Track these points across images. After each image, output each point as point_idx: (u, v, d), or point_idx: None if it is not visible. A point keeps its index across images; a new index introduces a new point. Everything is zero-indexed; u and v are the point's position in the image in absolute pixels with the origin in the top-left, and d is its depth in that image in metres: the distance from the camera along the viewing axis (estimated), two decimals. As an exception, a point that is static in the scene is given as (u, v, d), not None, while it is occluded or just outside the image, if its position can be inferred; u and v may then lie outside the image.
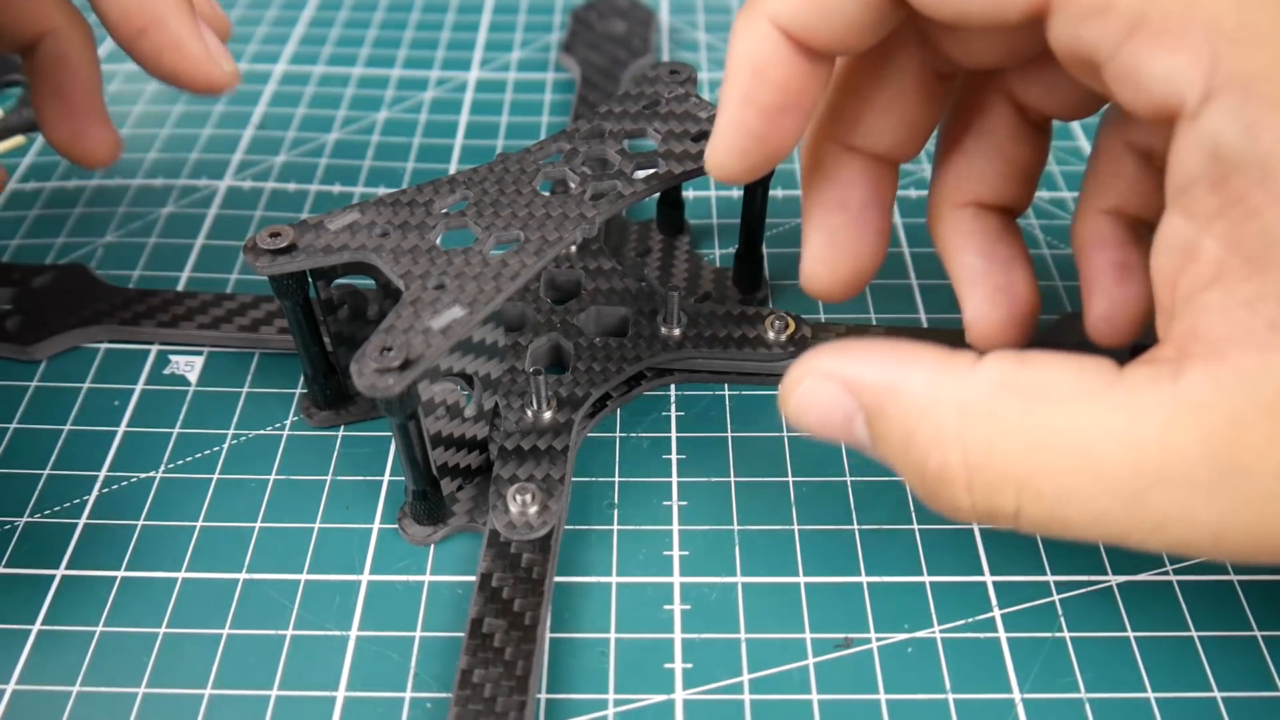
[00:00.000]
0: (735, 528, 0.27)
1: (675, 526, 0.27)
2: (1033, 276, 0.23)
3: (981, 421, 0.18)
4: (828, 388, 0.20)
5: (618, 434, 0.29)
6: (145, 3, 0.27)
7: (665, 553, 0.26)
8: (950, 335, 0.31)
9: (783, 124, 0.21)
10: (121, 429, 0.29)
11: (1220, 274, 0.16)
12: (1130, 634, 0.25)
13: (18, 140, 0.40)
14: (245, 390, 0.31)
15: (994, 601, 0.25)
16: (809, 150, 0.24)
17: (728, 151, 0.22)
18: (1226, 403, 0.16)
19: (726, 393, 0.30)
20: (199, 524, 0.27)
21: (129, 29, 0.27)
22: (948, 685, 0.24)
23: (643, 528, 0.27)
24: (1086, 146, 0.39)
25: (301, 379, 0.31)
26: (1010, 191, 0.23)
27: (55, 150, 0.30)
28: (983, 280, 0.23)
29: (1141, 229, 0.23)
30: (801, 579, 0.26)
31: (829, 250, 0.24)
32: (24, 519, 0.27)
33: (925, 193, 0.27)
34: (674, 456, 0.29)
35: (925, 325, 0.32)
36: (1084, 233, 0.23)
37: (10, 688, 0.24)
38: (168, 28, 0.27)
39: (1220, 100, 0.15)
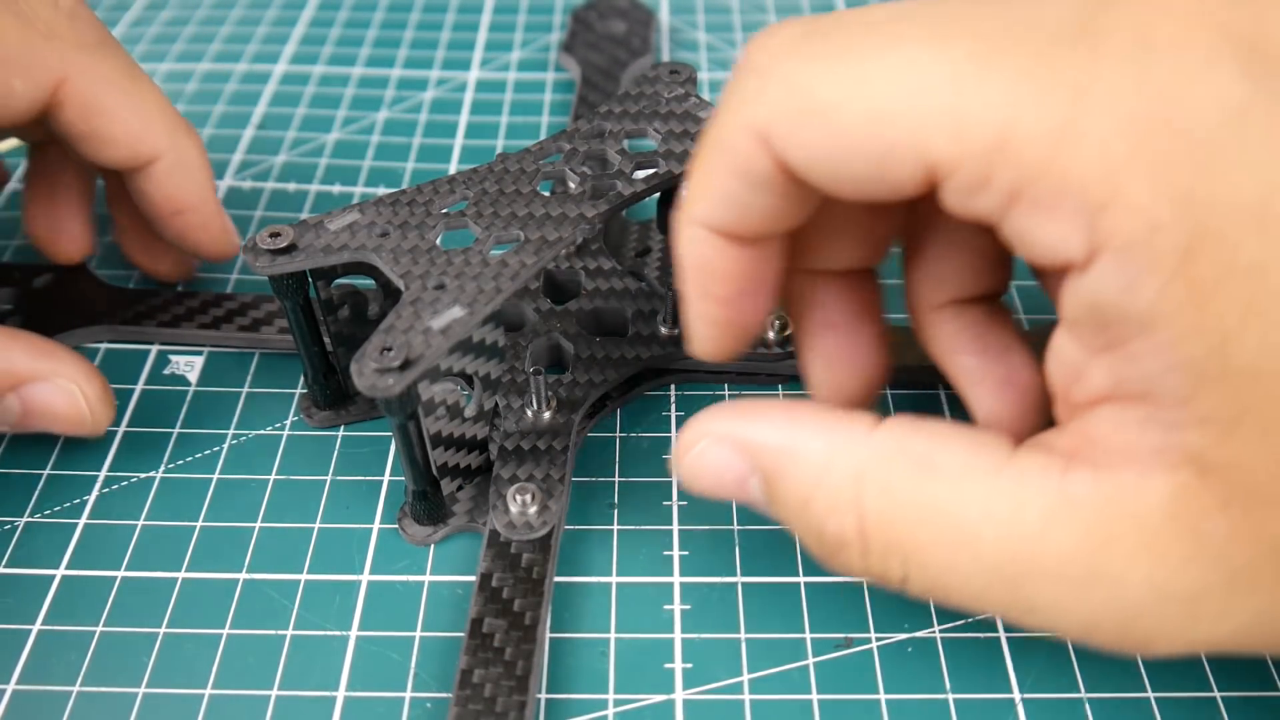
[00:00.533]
0: (735, 528, 0.27)
1: (675, 526, 0.27)
2: (1032, 358, 0.22)
3: (876, 490, 0.18)
4: (721, 451, 0.20)
5: (618, 434, 0.29)
6: (188, 189, 0.29)
7: (665, 553, 0.26)
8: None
9: (746, 306, 0.21)
10: (121, 429, 0.29)
11: (1110, 396, 0.17)
12: (1130, 634, 0.25)
13: (18, 140, 0.40)
14: (245, 390, 0.31)
15: (994, 601, 0.25)
16: (788, 283, 0.23)
17: (703, 341, 0.22)
18: (1105, 510, 0.17)
19: (726, 393, 0.30)
20: (199, 524, 0.27)
21: (168, 208, 0.30)
22: (948, 685, 0.24)
23: (643, 528, 0.27)
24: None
25: (301, 379, 0.31)
26: (984, 281, 0.22)
27: (29, 237, 0.33)
28: (983, 378, 0.22)
29: (986, 307, 0.22)
30: (801, 579, 0.26)
31: (830, 374, 0.23)
32: (24, 519, 0.27)
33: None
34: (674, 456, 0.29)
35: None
36: (940, 338, 0.22)
37: (10, 688, 0.24)
38: (202, 210, 0.30)
39: (1101, 261, 0.16)
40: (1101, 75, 0.15)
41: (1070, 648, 0.24)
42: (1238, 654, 0.18)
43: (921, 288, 0.22)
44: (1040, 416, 0.22)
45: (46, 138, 0.31)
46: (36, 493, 0.28)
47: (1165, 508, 0.16)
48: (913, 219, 0.22)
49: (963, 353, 0.22)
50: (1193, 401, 0.16)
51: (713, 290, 0.21)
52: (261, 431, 0.30)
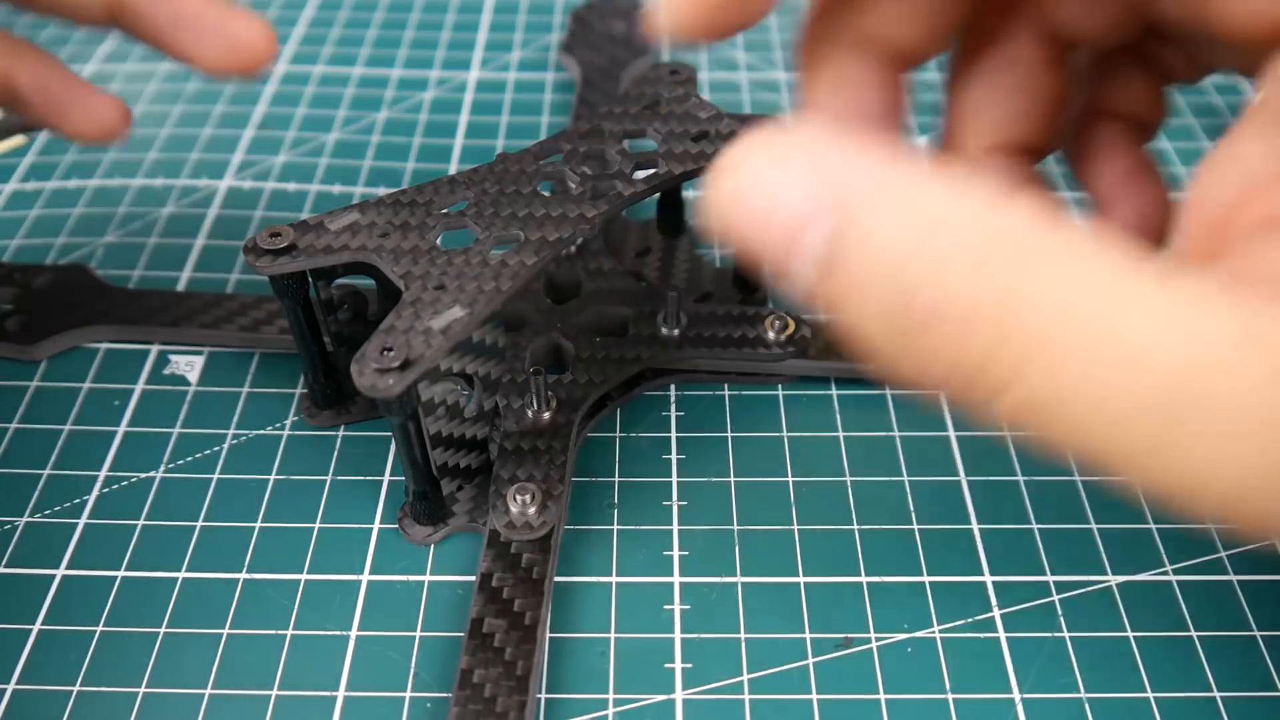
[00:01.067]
0: (735, 528, 0.27)
1: (675, 526, 0.27)
2: (1154, 183, 0.20)
3: (1008, 265, 0.14)
4: (796, 171, 0.14)
5: (618, 434, 0.29)
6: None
7: (665, 553, 0.26)
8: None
9: None
10: (121, 429, 0.29)
11: None
12: (1130, 634, 0.25)
13: (18, 140, 0.40)
14: (245, 390, 0.31)
15: (994, 601, 0.25)
16: (806, 49, 0.20)
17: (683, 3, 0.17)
18: None
19: (726, 393, 0.30)
20: (199, 524, 0.27)
21: (164, 11, 0.26)
22: (948, 685, 0.24)
23: (643, 528, 0.27)
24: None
25: (301, 379, 0.31)
26: (1040, 129, 0.19)
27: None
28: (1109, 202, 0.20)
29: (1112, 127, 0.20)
30: (801, 579, 0.26)
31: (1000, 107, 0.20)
32: (24, 519, 0.27)
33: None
34: (674, 456, 0.29)
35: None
36: (1081, 140, 0.20)
37: (10, 688, 0.24)
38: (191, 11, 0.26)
39: None
40: None
41: (1070, 648, 0.24)
42: None
43: (970, 122, 0.19)
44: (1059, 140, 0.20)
45: None
46: (36, 493, 0.28)
47: None
48: (980, 31, 0.19)
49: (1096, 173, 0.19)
50: None
51: None
52: (261, 431, 0.30)
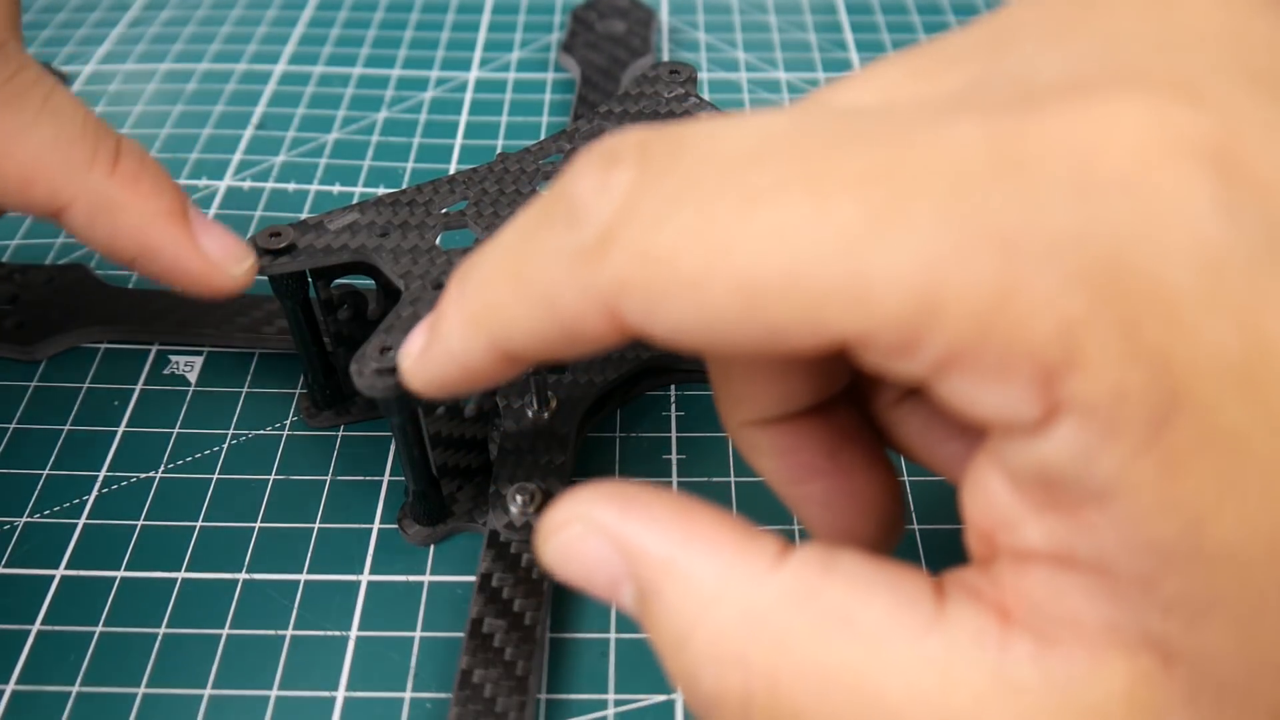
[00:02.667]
0: (735, 528, 0.27)
1: (675, 526, 0.27)
2: (884, 467, 0.19)
3: (772, 643, 0.15)
4: (597, 543, 0.16)
5: (618, 434, 0.29)
6: (130, 235, 0.24)
7: (665, 553, 0.26)
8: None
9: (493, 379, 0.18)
10: (121, 429, 0.29)
11: (1051, 559, 0.14)
12: (1130, 634, 0.25)
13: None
14: (245, 390, 0.31)
15: (994, 601, 0.25)
16: (737, 441, 0.20)
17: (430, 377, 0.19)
18: (1053, 699, 0.14)
19: (726, 393, 0.30)
20: (199, 524, 0.27)
21: (118, 259, 0.25)
22: (948, 685, 0.24)
23: (643, 528, 0.27)
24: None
25: (301, 379, 0.31)
26: (800, 397, 0.19)
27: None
28: (825, 503, 0.19)
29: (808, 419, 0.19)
30: (801, 579, 0.26)
31: (836, 522, 0.19)
32: (24, 519, 0.27)
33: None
34: (674, 456, 0.29)
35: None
36: (756, 458, 0.19)
37: (10, 688, 0.24)
38: (160, 255, 0.24)
39: (1057, 426, 0.13)
40: (1039, 219, 0.12)
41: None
42: None
43: (725, 404, 0.19)
44: (900, 529, 0.20)
45: None
46: (36, 493, 0.28)
47: (1124, 699, 0.13)
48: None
49: (797, 482, 0.19)
50: (1157, 585, 0.13)
51: (469, 383, 0.18)
52: (261, 431, 0.30)
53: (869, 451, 0.19)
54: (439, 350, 0.18)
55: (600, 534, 0.16)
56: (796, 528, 0.27)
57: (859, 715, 0.14)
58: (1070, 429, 0.13)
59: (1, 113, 0.23)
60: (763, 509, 0.27)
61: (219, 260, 0.25)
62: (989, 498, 0.14)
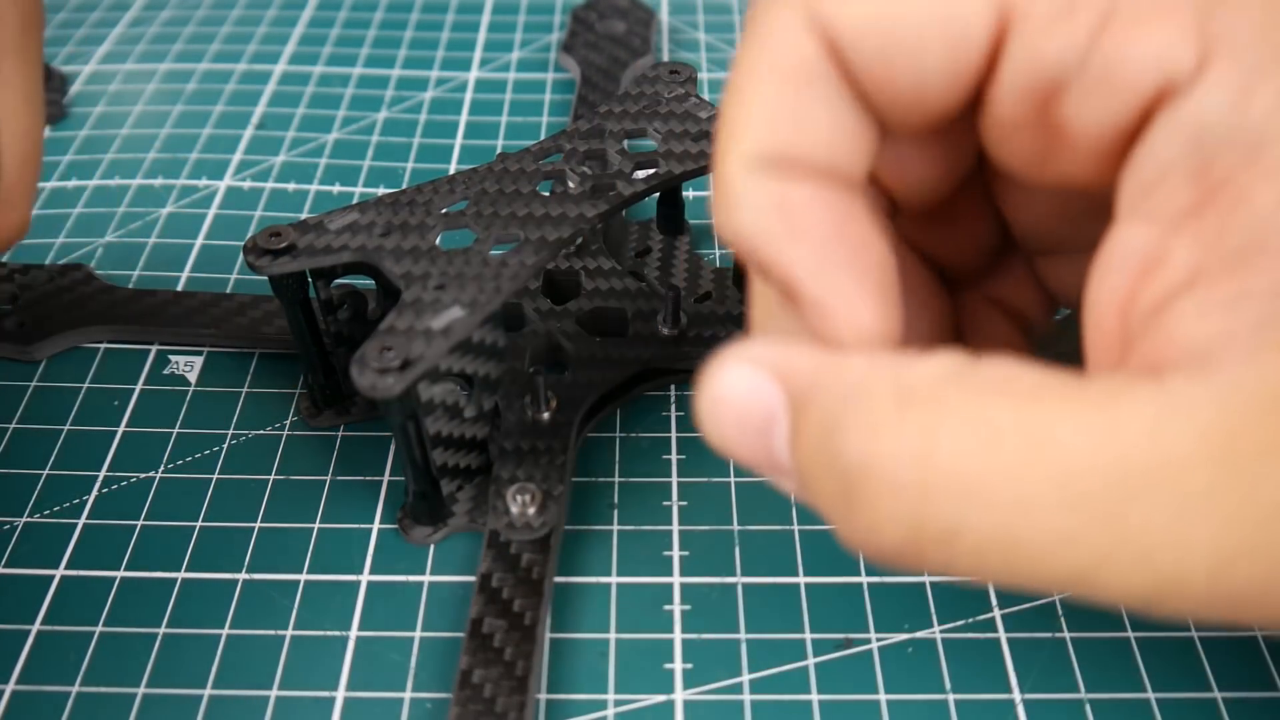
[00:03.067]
0: (735, 528, 0.27)
1: (675, 526, 0.27)
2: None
3: (926, 407, 0.14)
4: (753, 377, 0.16)
5: (618, 434, 0.29)
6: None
7: (665, 553, 0.26)
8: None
9: (840, 279, 0.17)
10: (121, 429, 0.29)
11: (1194, 279, 0.14)
12: (1130, 634, 0.25)
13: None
14: (245, 390, 0.31)
15: (994, 602, 0.25)
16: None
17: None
18: (1223, 402, 0.13)
19: (726, 393, 0.30)
20: (199, 524, 0.27)
21: None
22: (948, 685, 0.24)
23: (643, 528, 0.27)
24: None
25: (301, 379, 0.31)
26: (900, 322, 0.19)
27: None
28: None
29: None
30: (801, 579, 0.26)
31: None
32: (24, 519, 0.27)
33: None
34: (674, 456, 0.29)
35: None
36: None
37: (10, 688, 0.24)
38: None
39: (1211, 70, 0.13)
40: None
41: (1070, 648, 0.24)
42: None
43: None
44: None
45: None
46: (36, 493, 0.28)
47: None
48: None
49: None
50: None
51: (787, 256, 0.16)
52: (261, 431, 0.30)
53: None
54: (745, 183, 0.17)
55: (757, 365, 0.16)
56: (797, 528, 0.27)
57: (1027, 463, 0.14)
58: (1225, 69, 0.13)
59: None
60: (763, 510, 0.27)
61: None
62: (1130, 250, 0.15)
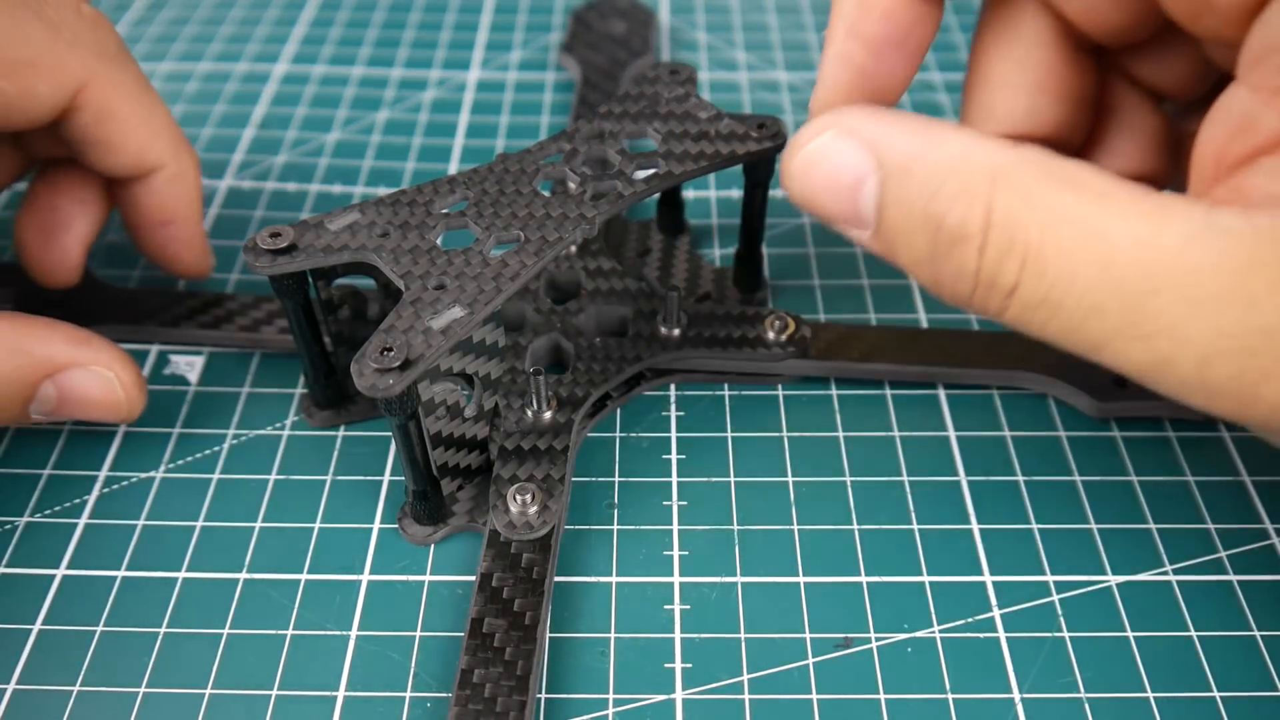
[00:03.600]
0: (735, 528, 0.27)
1: (675, 526, 0.27)
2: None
3: (1012, 189, 0.17)
4: (847, 144, 0.19)
5: (618, 434, 0.29)
6: (182, 202, 0.30)
7: (665, 553, 0.26)
8: (950, 336, 0.31)
9: (890, 61, 0.21)
10: (121, 429, 0.29)
11: (1275, 144, 0.16)
12: (1130, 634, 0.25)
13: None
14: (245, 390, 0.31)
15: (994, 601, 0.25)
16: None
17: (833, 89, 0.21)
18: (1251, 238, 0.16)
19: (726, 393, 0.30)
20: (199, 524, 0.27)
21: (159, 218, 0.30)
22: (948, 685, 0.24)
23: (643, 528, 0.27)
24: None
25: (301, 379, 0.31)
26: (1058, 124, 0.22)
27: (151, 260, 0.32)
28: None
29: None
30: (801, 579, 0.26)
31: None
32: (24, 519, 0.27)
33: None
34: (674, 456, 0.29)
35: (925, 325, 0.32)
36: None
37: (10, 688, 0.24)
38: (190, 224, 0.30)
39: None
40: None
41: (1070, 648, 0.24)
42: None
43: (980, 117, 0.22)
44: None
45: (50, 151, 0.30)
46: (36, 493, 0.28)
47: None
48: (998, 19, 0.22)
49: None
50: None
51: (864, 29, 0.20)
52: (261, 431, 0.30)
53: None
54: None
55: (852, 135, 0.19)
56: (797, 528, 0.27)
57: (1078, 245, 0.17)
58: None
59: (141, 97, 0.29)
60: (763, 510, 0.27)
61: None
62: (1232, 110, 0.17)
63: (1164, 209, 0.17)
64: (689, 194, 0.37)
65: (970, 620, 0.25)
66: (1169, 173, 0.24)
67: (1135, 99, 0.23)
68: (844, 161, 0.19)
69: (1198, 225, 0.16)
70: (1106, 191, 0.17)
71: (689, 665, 0.24)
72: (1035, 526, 0.27)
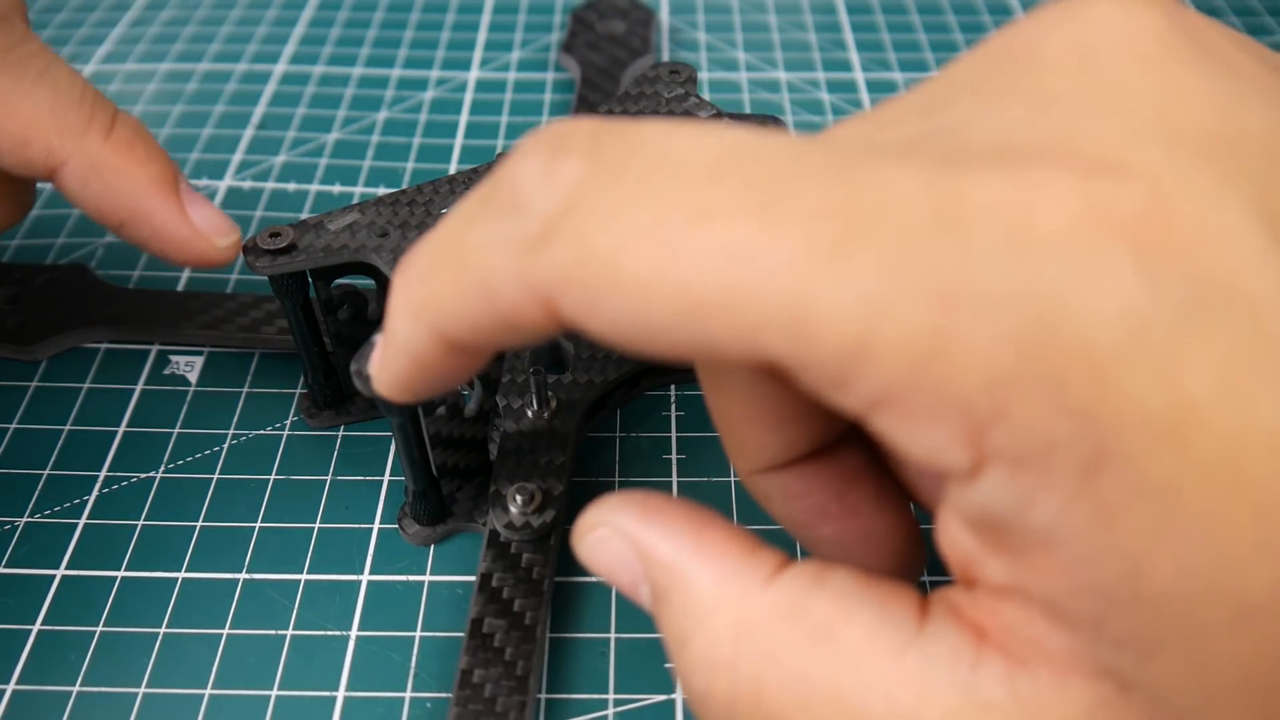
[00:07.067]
0: (735, 528, 0.27)
1: (675, 526, 0.27)
2: (900, 505, 0.20)
3: (756, 653, 0.16)
4: (621, 546, 0.18)
5: (618, 434, 0.29)
6: (121, 198, 0.25)
7: (665, 553, 0.26)
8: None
9: (447, 382, 0.19)
10: (121, 429, 0.29)
11: (1014, 594, 0.15)
12: (1130, 634, 0.25)
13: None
14: (245, 390, 0.31)
15: (994, 601, 0.25)
16: (749, 488, 0.21)
17: (387, 384, 0.19)
18: (1014, 711, 0.15)
19: (726, 393, 0.30)
20: (199, 524, 0.27)
21: (107, 222, 0.26)
22: (948, 685, 0.24)
23: (643, 528, 0.27)
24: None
25: (301, 379, 0.31)
26: (803, 445, 0.19)
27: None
28: (844, 545, 0.20)
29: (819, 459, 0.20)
30: (801, 579, 0.26)
31: (852, 562, 0.19)
32: (24, 519, 0.27)
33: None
34: (674, 456, 0.29)
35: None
36: (774, 505, 0.20)
37: (10, 688, 0.24)
38: (149, 220, 0.26)
39: (990, 473, 0.13)
40: (974, 277, 0.12)
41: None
42: None
43: (732, 453, 0.20)
44: (918, 564, 0.21)
45: None
46: (36, 493, 0.28)
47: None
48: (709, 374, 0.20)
49: (809, 526, 0.20)
50: (1106, 625, 0.14)
51: (426, 378, 0.18)
52: (261, 431, 0.30)
53: (879, 492, 0.20)
54: (393, 348, 0.18)
55: (623, 538, 0.18)
56: (796, 528, 0.27)
57: (832, 716, 0.15)
58: (1000, 478, 0.13)
59: (2, 78, 0.25)
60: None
61: (205, 231, 0.26)
62: (951, 537, 0.15)
63: (926, 669, 0.15)
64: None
65: (970, 620, 0.25)
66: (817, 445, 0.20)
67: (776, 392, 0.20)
68: (619, 562, 0.18)
69: (962, 698, 0.15)
70: (860, 644, 0.15)
71: (689, 665, 0.24)
72: (1035, 526, 0.27)
